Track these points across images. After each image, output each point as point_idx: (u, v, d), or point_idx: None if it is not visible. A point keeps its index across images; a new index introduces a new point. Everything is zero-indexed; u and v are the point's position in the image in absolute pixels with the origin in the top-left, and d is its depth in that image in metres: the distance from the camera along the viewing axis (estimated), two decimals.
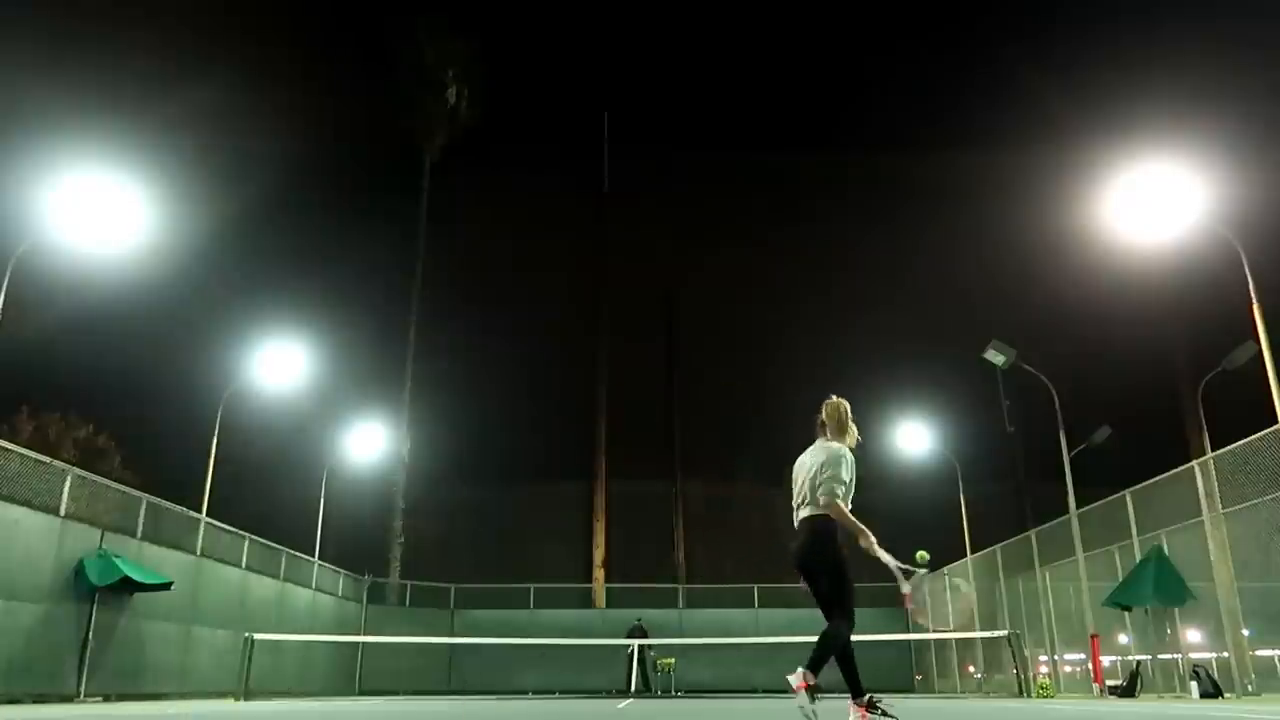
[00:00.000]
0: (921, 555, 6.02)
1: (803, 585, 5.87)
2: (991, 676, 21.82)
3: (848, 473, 5.75)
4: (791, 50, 39.77)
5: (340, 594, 24.90)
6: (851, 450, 5.89)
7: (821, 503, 5.67)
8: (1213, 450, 13.84)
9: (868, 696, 5.62)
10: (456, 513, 34.19)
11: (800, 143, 38.93)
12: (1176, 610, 14.48)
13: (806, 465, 5.87)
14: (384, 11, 35.97)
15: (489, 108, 35.82)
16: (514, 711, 10.80)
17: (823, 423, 5.99)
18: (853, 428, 5.96)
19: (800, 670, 5.37)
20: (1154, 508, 14.94)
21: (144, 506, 15.52)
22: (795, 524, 5.88)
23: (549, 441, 36.09)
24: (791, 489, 5.93)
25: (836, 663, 5.58)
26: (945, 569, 24.86)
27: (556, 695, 23.35)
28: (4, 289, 12.82)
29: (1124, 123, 28.50)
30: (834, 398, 6.05)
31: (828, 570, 5.70)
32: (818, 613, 5.76)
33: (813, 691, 5.30)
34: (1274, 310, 13.15)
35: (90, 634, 13.48)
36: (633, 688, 22.22)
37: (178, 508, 16.86)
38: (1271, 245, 16.26)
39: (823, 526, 5.68)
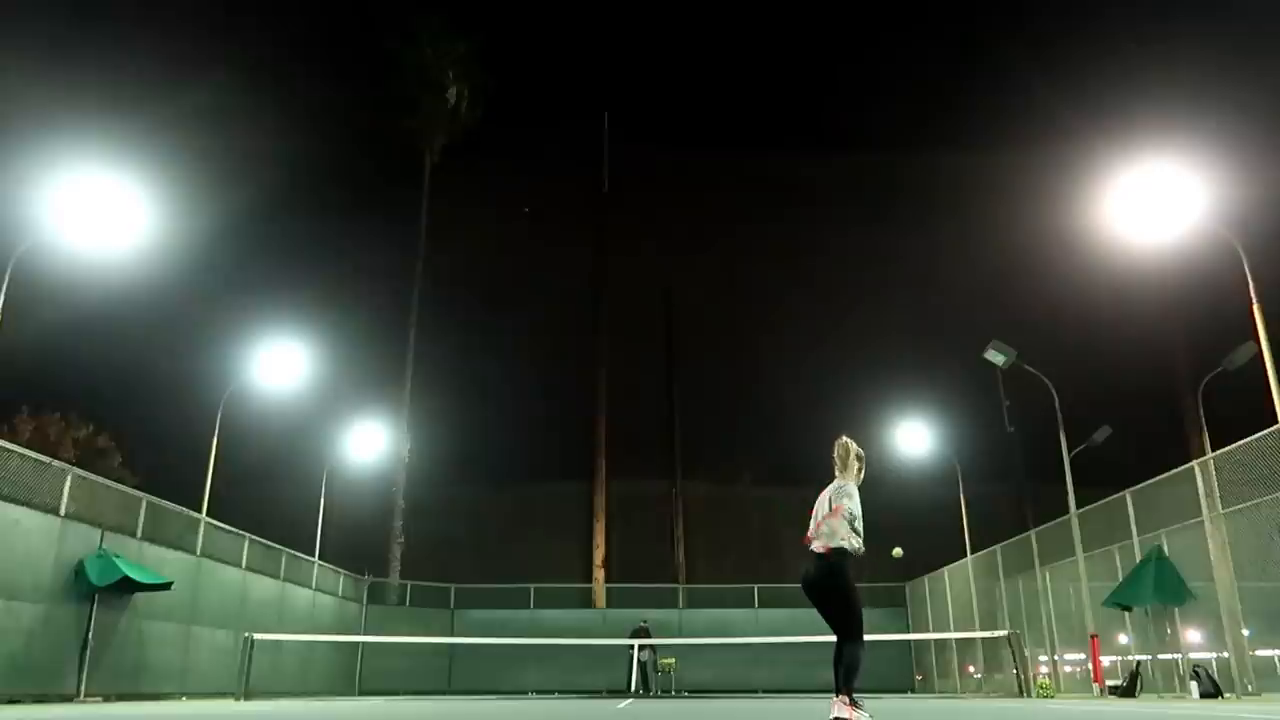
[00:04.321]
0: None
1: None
2: (991, 676, 21.81)
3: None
4: (792, 50, 39.80)
5: (340, 594, 24.90)
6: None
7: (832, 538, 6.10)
8: (1213, 450, 13.84)
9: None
10: (456, 513, 34.13)
11: (800, 143, 38.95)
12: (1176, 610, 14.48)
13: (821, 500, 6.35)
14: (384, 12, 35.99)
15: (489, 108, 35.87)
16: (514, 711, 10.79)
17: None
18: (855, 465, 6.42)
19: (835, 700, 5.84)
20: (1154, 508, 14.93)
21: (144, 506, 15.53)
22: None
23: (549, 441, 36.07)
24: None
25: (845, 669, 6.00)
26: (945, 568, 24.92)
27: (556, 695, 23.35)
28: (4, 289, 12.83)
29: (1124, 122, 28.51)
30: (843, 437, 6.49)
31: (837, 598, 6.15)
32: (816, 612, 6.05)
33: (855, 706, 5.85)
34: (1274, 310, 13.14)
35: (90, 634, 13.49)
36: (633, 688, 22.20)
37: (178, 508, 16.86)
38: (1271, 245, 16.26)
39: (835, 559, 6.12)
